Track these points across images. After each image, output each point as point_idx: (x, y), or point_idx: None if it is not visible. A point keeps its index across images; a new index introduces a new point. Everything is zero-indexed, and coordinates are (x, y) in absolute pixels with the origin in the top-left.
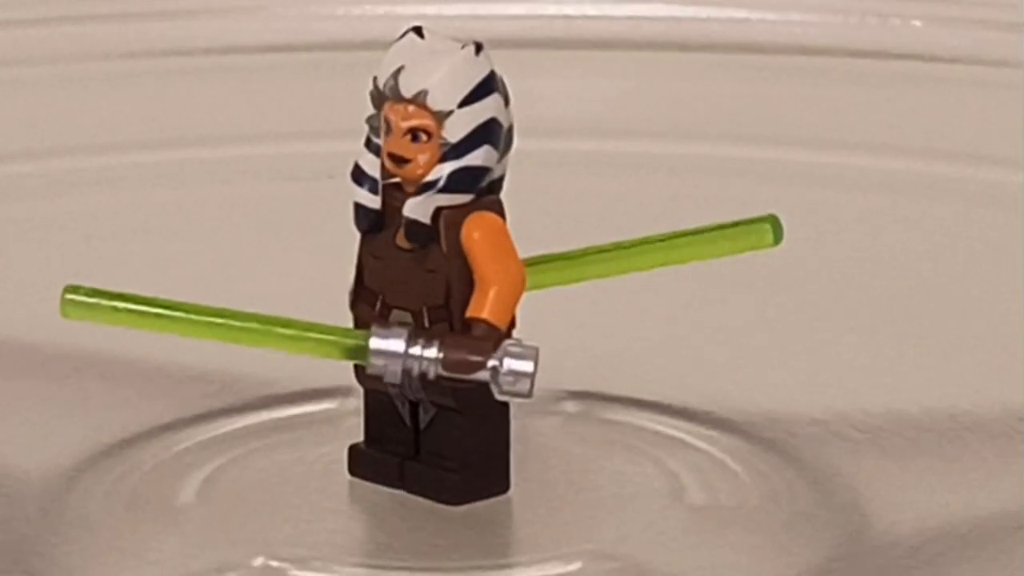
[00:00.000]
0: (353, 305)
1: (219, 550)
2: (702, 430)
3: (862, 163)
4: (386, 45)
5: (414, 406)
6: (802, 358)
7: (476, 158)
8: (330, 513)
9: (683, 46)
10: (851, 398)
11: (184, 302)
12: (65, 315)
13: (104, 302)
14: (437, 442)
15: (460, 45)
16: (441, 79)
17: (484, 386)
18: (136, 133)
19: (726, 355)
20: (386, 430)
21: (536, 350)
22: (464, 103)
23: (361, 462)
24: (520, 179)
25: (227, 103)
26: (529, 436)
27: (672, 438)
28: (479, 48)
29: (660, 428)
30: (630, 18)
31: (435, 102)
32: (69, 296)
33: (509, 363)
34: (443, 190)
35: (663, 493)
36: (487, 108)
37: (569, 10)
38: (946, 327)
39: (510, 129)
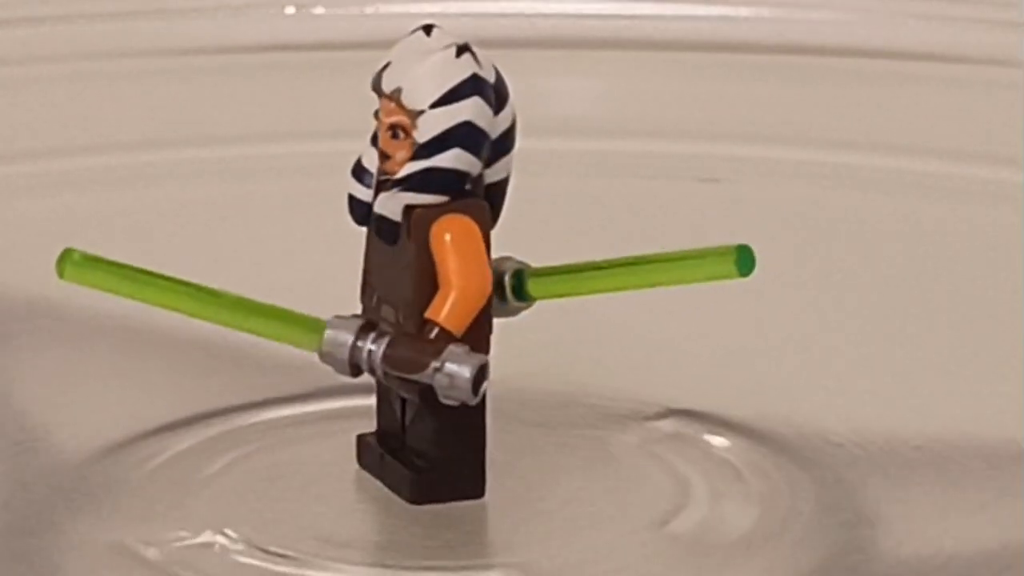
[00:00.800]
0: (360, 296)
1: (214, 536)
2: (714, 436)
3: (863, 163)
4: (388, 44)
5: (404, 402)
6: (803, 365)
7: (444, 160)
8: (330, 507)
9: (683, 45)
10: (849, 407)
11: (173, 276)
12: (62, 276)
13: (99, 266)
14: (414, 439)
15: (445, 45)
16: (415, 78)
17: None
18: (136, 133)
19: (727, 359)
20: (386, 424)
21: (482, 359)
22: (437, 104)
23: (363, 452)
24: (519, 179)
25: (227, 102)
26: (544, 444)
27: (688, 444)
28: (461, 50)
29: (678, 432)
30: (631, 17)
31: (408, 100)
32: (68, 257)
33: (449, 367)
34: (408, 188)
35: (666, 505)
36: (461, 111)
37: (571, 9)
38: (948, 329)
39: (506, 134)
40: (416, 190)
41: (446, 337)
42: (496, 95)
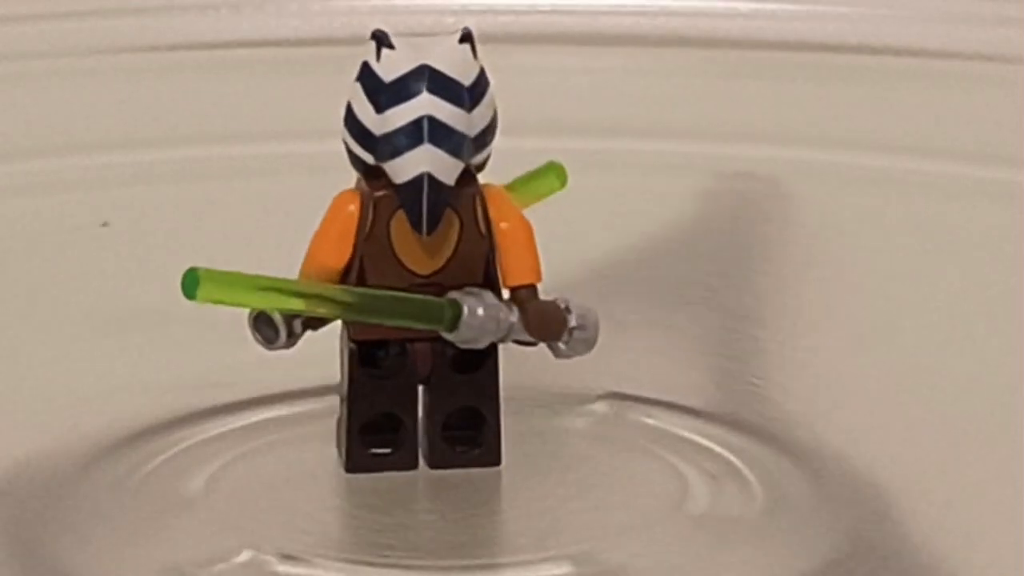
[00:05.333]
0: None
1: (213, 543)
2: (719, 434)
3: (865, 162)
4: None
5: None
6: (801, 365)
7: (343, 132)
8: (326, 506)
9: (681, 42)
10: (847, 407)
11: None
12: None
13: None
14: None
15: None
16: None
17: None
18: (137, 131)
19: (736, 358)
20: None
21: (270, 329)
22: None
23: None
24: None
25: (227, 100)
26: (544, 433)
27: (687, 441)
28: (371, 36)
29: (677, 431)
30: (631, 14)
31: None
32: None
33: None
34: None
35: (666, 498)
36: (351, 94)
37: (569, 5)
38: (948, 328)
39: (392, 135)
40: None
41: None
42: (392, 93)
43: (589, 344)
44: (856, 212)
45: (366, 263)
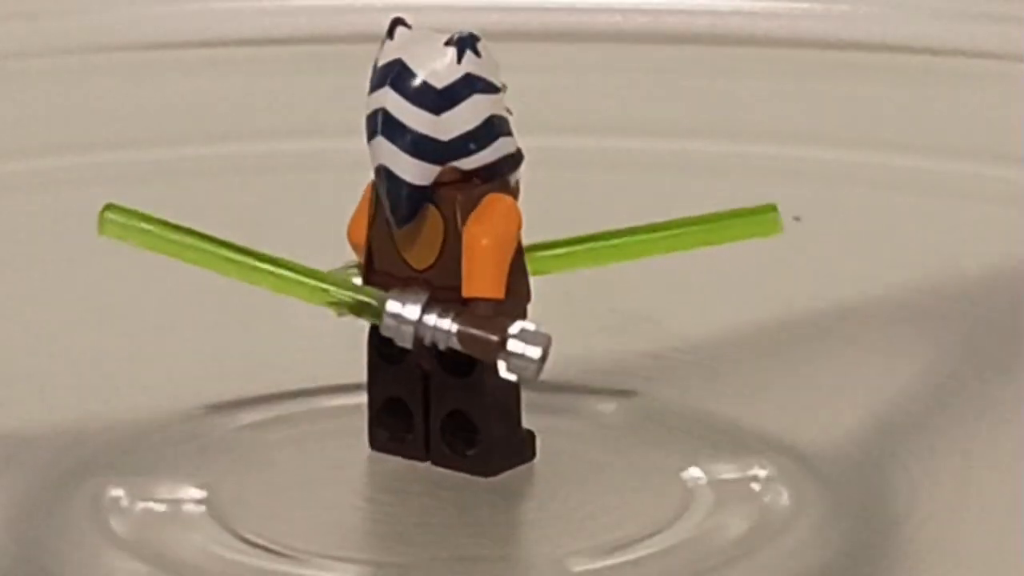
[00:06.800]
0: None
1: (213, 532)
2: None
3: (865, 160)
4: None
5: None
6: (803, 366)
7: None
8: (333, 503)
9: (679, 40)
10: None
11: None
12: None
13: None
14: None
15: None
16: None
17: None
18: (137, 131)
19: (734, 356)
20: None
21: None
22: None
23: None
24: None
25: (229, 99)
26: (579, 438)
27: (701, 442)
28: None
29: (691, 430)
30: (629, 11)
31: None
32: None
33: None
34: None
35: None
36: None
37: (569, 2)
38: (951, 329)
39: (366, 118)
40: None
41: None
42: (373, 80)
43: (530, 369)
44: (861, 210)
45: (373, 248)
